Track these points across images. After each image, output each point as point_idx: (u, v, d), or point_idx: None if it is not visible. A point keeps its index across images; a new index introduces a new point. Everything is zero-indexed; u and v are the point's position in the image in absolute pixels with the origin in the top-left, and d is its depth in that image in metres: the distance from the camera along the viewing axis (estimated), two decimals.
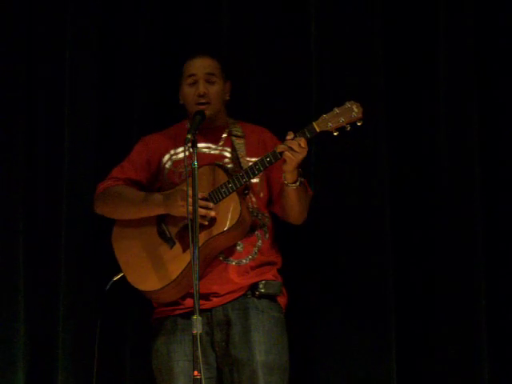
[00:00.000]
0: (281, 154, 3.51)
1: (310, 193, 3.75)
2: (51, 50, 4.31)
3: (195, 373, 3.17)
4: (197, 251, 3.27)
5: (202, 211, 3.49)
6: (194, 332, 3.19)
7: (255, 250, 3.66)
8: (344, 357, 3.90)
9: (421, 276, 3.94)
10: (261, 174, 3.62)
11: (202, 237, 3.52)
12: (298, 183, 3.57)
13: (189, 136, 3.42)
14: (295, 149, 3.48)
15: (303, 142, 3.49)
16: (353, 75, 4.04)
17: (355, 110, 3.51)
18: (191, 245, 3.28)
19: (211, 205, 3.55)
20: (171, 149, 3.76)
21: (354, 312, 3.92)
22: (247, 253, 3.64)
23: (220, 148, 3.76)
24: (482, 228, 3.86)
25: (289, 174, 3.55)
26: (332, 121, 3.51)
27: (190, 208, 3.36)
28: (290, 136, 3.51)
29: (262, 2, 4.19)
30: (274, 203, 3.74)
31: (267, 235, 3.70)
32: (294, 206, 3.66)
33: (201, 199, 3.51)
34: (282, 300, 3.70)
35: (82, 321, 4.11)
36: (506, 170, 3.91)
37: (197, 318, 3.19)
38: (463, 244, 3.87)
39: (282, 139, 3.55)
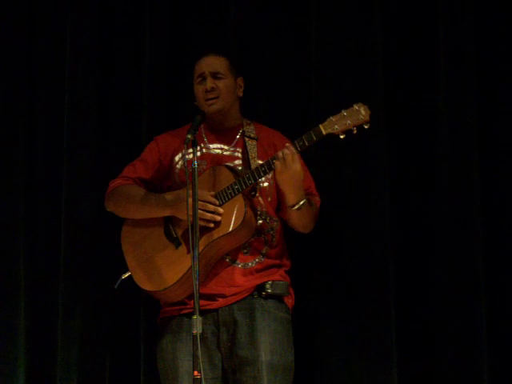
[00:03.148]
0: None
1: (317, 203, 3.70)
2: (52, 50, 4.37)
3: (195, 373, 3.19)
4: (197, 252, 3.28)
5: (207, 215, 3.50)
6: (194, 332, 3.21)
7: (262, 253, 3.64)
8: (349, 358, 3.89)
9: (421, 276, 3.91)
10: (271, 178, 3.62)
11: (206, 238, 3.52)
12: (297, 207, 3.53)
13: (189, 136, 3.44)
14: (288, 160, 3.44)
15: (296, 158, 3.43)
16: (353, 73, 3.99)
17: (363, 112, 3.44)
18: (192, 246, 3.28)
19: (221, 210, 3.54)
20: (183, 148, 3.74)
21: (358, 313, 3.90)
22: (253, 257, 3.63)
23: (232, 149, 3.75)
24: (481, 229, 3.83)
25: (289, 195, 3.52)
26: (339, 123, 3.44)
27: (198, 211, 3.36)
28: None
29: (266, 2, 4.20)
30: (281, 209, 3.71)
31: (275, 239, 3.68)
32: (297, 222, 3.66)
33: (211, 203, 3.52)
34: (289, 301, 3.69)
35: (83, 318, 4.16)
36: (505, 170, 3.88)
37: (197, 318, 3.21)
38: (463, 242, 3.84)
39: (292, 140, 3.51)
